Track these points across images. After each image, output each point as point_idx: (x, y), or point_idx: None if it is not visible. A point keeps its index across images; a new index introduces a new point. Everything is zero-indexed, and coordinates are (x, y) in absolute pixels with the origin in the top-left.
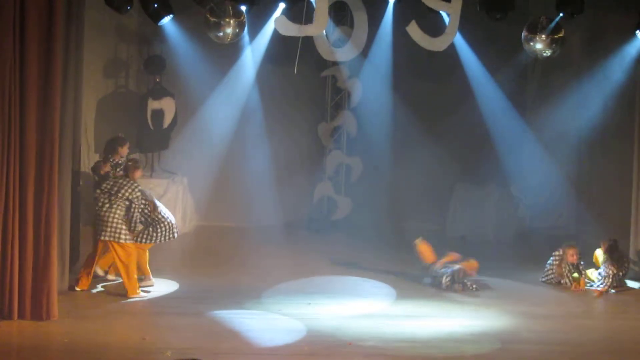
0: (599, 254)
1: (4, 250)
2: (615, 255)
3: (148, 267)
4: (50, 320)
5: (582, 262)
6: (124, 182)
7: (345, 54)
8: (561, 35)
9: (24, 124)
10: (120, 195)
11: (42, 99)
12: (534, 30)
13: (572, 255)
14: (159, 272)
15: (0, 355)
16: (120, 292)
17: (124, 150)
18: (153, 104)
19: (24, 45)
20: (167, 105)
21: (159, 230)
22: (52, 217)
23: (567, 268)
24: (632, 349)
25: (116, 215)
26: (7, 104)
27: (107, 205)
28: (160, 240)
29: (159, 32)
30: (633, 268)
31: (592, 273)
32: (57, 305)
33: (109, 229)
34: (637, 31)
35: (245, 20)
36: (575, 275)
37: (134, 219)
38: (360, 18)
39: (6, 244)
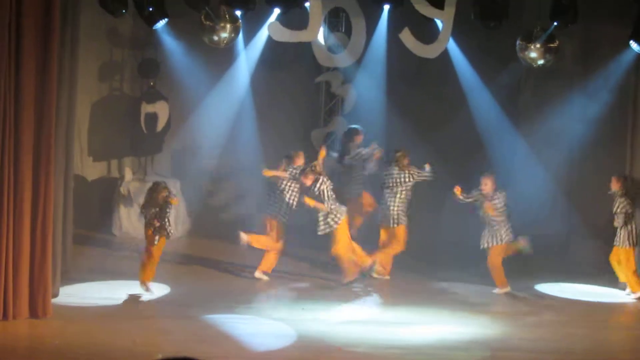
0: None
1: None
2: (631, 192)
3: None
4: (46, 318)
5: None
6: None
7: (341, 60)
8: (555, 44)
9: (19, 127)
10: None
11: (38, 102)
12: (528, 39)
13: (485, 185)
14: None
15: None
16: (110, 296)
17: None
18: (147, 108)
19: (20, 47)
20: (161, 109)
21: None
22: (48, 219)
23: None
24: (622, 359)
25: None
26: (2, 107)
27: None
28: None
29: (154, 36)
30: None
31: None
32: (51, 304)
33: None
34: (631, 41)
35: (240, 24)
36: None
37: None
38: (358, 24)
39: (1, 245)
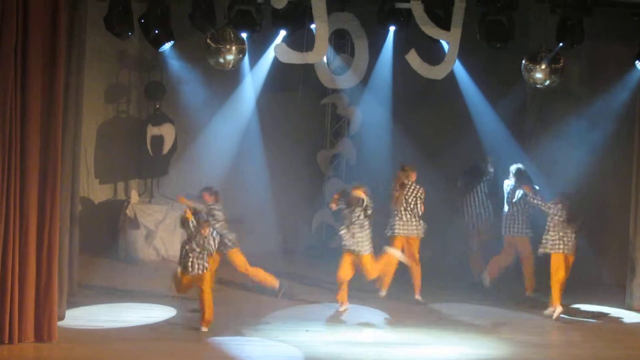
0: None
1: (4, 274)
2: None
3: None
4: (52, 342)
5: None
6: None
7: (345, 81)
8: (561, 65)
9: (26, 149)
10: None
11: (44, 124)
12: (533, 60)
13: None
14: (156, 297)
15: None
16: (116, 319)
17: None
18: (153, 130)
19: (26, 69)
20: (167, 132)
21: None
22: (54, 242)
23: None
24: None
25: None
26: (8, 128)
27: None
28: None
29: (160, 58)
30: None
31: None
32: (57, 328)
33: None
34: (637, 62)
35: (246, 47)
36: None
37: None
38: (361, 46)
39: (6, 268)
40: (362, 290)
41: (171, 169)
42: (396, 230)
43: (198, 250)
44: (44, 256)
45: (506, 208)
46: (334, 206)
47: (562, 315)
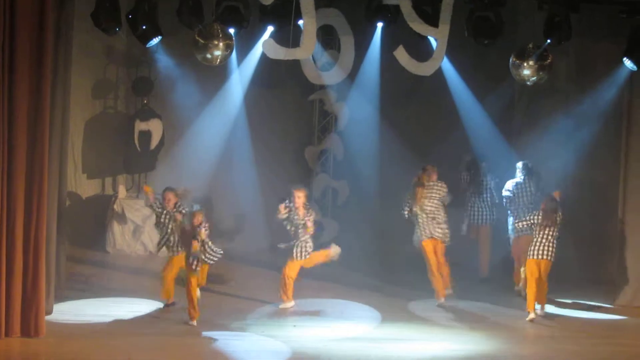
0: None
1: None
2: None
3: None
4: (39, 337)
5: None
6: None
7: (332, 77)
8: (549, 61)
9: (12, 144)
10: None
11: (31, 120)
12: (521, 57)
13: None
14: (144, 293)
15: None
16: (104, 313)
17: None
18: (140, 125)
19: (13, 65)
20: (155, 127)
21: None
22: (41, 237)
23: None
24: None
25: None
26: None
27: None
28: None
29: (148, 54)
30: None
31: None
32: (44, 323)
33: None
34: (625, 59)
35: (234, 42)
36: None
37: None
38: (347, 42)
39: None
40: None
41: (159, 164)
42: (423, 235)
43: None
44: (30, 252)
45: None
46: (281, 216)
47: (551, 312)
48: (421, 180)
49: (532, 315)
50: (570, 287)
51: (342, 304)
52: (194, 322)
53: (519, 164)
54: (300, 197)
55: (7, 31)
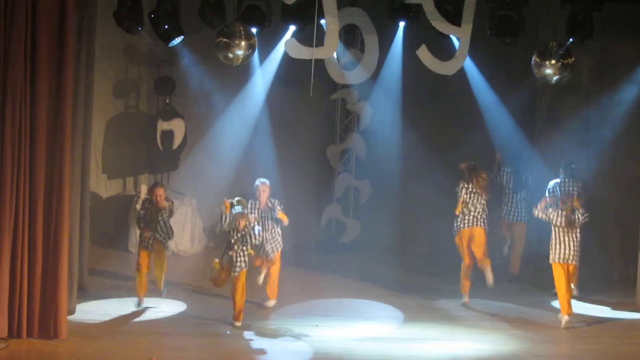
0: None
1: (13, 270)
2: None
3: None
4: (59, 339)
5: None
6: None
7: (355, 77)
8: (571, 60)
9: (35, 144)
10: None
11: (53, 119)
12: (543, 56)
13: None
14: (167, 293)
15: None
16: (126, 313)
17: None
18: (163, 125)
19: (35, 64)
20: (177, 127)
21: None
22: (61, 238)
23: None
24: None
25: None
26: (17, 124)
27: None
28: None
29: (170, 54)
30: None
31: None
32: (65, 325)
33: None
34: None
35: (256, 42)
36: None
37: None
38: (371, 41)
39: (15, 263)
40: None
41: (181, 164)
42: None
43: (236, 247)
44: (50, 252)
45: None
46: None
47: (575, 312)
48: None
49: (566, 318)
50: (595, 287)
51: (364, 303)
52: (239, 323)
53: (562, 163)
54: (265, 190)
55: (30, 31)
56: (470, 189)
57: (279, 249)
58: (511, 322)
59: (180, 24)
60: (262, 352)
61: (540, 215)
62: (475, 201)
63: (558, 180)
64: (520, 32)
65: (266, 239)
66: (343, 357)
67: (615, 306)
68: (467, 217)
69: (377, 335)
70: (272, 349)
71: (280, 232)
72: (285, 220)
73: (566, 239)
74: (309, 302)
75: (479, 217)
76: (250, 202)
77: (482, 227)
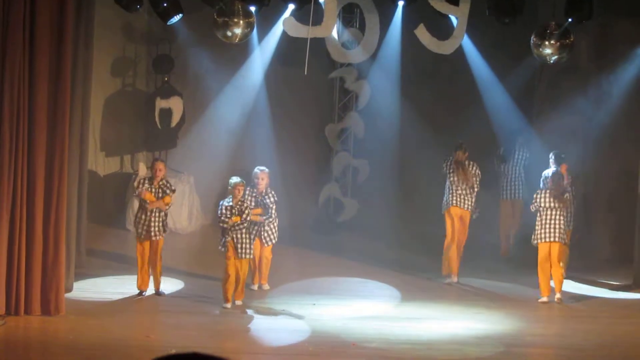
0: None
1: (11, 247)
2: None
3: None
4: (58, 315)
5: None
6: None
7: (356, 56)
8: (570, 40)
9: (33, 122)
10: None
11: (52, 97)
12: (542, 36)
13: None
14: (164, 271)
15: (7, 350)
16: (123, 291)
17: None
18: (161, 103)
19: (34, 43)
20: (175, 105)
21: None
22: (61, 215)
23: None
24: (636, 355)
25: None
26: (16, 102)
27: None
28: None
29: (168, 32)
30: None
31: None
32: (64, 302)
33: None
34: None
35: (255, 20)
36: None
37: None
38: (372, 20)
39: (13, 241)
40: (367, 269)
41: (179, 141)
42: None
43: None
44: (50, 230)
45: None
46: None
47: (571, 291)
48: (462, 159)
49: (544, 299)
50: (592, 267)
51: (361, 282)
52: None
53: (551, 155)
54: (263, 178)
55: (28, 8)
56: (449, 163)
57: (271, 243)
58: (507, 301)
59: (179, 2)
60: (259, 330)
61: (533, 209)
62: (457, 178)
63: (549, 172)
64: (518, 12)
65: (263, 227)
66: (341, 335)
67: (611, 287)
68: (454, 195)
69: (374, 314)
70: (269, 328)
71: (276, 227)
72: (257, 219)
73: (552, 220)
74: (306, 281)
75: (467, 198)
76: (248, 188)
77: (468, 209)
